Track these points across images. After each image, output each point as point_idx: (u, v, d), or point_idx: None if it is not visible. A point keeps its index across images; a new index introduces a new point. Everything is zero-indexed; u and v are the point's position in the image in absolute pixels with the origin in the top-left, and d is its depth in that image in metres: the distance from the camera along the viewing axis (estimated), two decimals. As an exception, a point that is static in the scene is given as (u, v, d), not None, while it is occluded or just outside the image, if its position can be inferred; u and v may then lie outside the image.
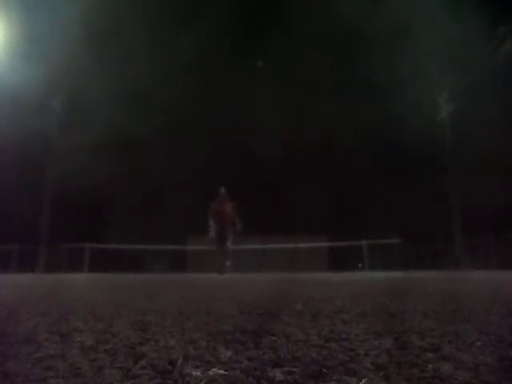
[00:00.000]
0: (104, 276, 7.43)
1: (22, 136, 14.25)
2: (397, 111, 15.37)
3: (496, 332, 0.74)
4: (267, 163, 17.87)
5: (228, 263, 7.90)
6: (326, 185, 18.52)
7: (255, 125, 16.99)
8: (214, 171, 18.07)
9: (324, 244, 17.47)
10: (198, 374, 0.48)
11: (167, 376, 0.47)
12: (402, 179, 16.91)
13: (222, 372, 0.48)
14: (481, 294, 1.91)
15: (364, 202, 18.94)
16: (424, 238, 16.22)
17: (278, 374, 0.48)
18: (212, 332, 0.76)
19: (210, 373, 0.48)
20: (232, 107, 18.02)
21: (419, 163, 17.13)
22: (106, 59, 16.00)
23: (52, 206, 16.72)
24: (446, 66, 15.55)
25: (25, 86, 13.93)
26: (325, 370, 0.49)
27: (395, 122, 15.51)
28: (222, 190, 8.42)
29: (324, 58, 18.09)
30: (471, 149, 15.21)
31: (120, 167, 15.83)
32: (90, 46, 15.57)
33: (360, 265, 15.37)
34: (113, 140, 15.71)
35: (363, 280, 4.05)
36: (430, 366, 0.51)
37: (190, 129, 17.91)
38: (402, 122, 15.06)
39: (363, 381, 0.45)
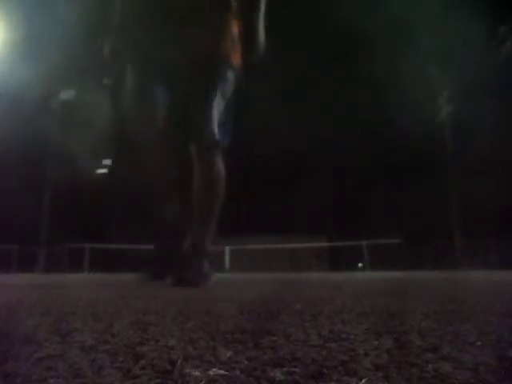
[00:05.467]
0: (104, 276, 7.43)
1: (22, 136, 14.21)
2: (397, 111, 15.36)
3: (496, 332, 0.74)
4: (267, 163, 17.84)
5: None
6: (325, 185, 18.48)
7: (255, 125, 16.98)
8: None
9: (324, 244, 17.44)
10: (198, 374, 0.48)
11: (167, 376, 0.47)
12: (402, 179, 16.88)
13: (222, 372, 0.48)
14: (481, 294, 1.91)
15: (364, 202, 18.90)
16: (424, 238, 16.20)
17: (277, 374, 0.48)
18: (212, 332, 0.76)
19: (210, 373, 0.48)
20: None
21: (419, 163, 17.12)
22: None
23: (52, 206, 16.70)
24: (445, 66, 15.56)
25: (25, 86, 13.91)
26: (325, 370, 0.49)
27: (395, 121, 15.50)
28: None
29: (324, 58, 18.09)
30: (471, 149, 15.21)
31: (120, 167, 15.81)
32: (90, 45, 15.56)
33: (360, 265, 15.35)
34: (112, 139, 15.69)
35: (363, 280, 4.05)
36: (429, 365, 0.51)
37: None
38: (402, 122, 15.06)
39: (363, 381, 0.45)
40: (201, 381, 0.45)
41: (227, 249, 15.60)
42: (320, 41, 17.91)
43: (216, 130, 2.45)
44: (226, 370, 0.49)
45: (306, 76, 18.84)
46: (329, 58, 18.05)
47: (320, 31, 17.67)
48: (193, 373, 0.48)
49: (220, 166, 2.54)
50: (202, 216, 2.54)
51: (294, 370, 0.49)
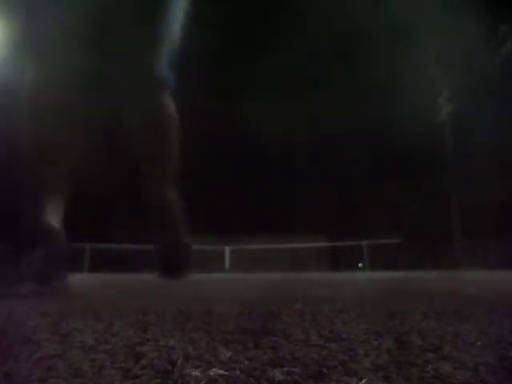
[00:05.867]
0: (104, 276, 7.43)
1: (21, 135, 14.23)
2: (397, 111, 15.36)
3: (496, 332, 0.74)
4: (267, 163, 17.86)
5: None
6: (325, 184, 18.50)
7: (254, 124, 16.98)
8: (213, 171, 18.06)
9: (324, 244, 17.45)
10: (198, 374, 0.48)
11: (167, 376, 0.47)
12: (402, 179, 16.90)
13: (221, 372, 0.49)
14: (481, 293, 1.91)
15: (364, 202, 18.92)
16: (424, 238, 16.21)
17: (277, 374, 0.48)
18: (212, 332, 0.76)
19: (210, 373, 0.48)
20: (232, 106, 18.02)
21: (419, 163, 17.12)
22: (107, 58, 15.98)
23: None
24: (446, 66, 15.60)
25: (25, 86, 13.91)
26: (325, 370, 0.49)
27: (395, 121, 15.51)
28: None
29: (324, 58, 18.10)
30: (471, 149, 15.22)
31: (120, 167, 15.81)
32: (91, 45, 15.55)
33: (360, 265, 15.37)
34: (113, 140, 15.70)
35: (363, 280, 4.05)
36: (430, 365, 0.51)
37: (189, 127, 17.92)
38: (402, 121, 15.06)
39: (363, 381, 0.45)
40: (201, 381, 0.45)
41: (227, 249, 15.61)
42: (320, 40, 17.93)
43: (163, 63, 1.74)
44: (226, 370, 0.49)
45: (306, 75, 18.86)
46: (328, 58, 18.07)
47: (320, 30, 17.69)
48: (193, 373, 0.48)
49: (169, 107, 1.87)
50: (157, 169, 1.88)
51: (293, 370, 0.49)
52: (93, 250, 14.32)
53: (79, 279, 4.89)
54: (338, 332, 0.76)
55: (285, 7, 17.01)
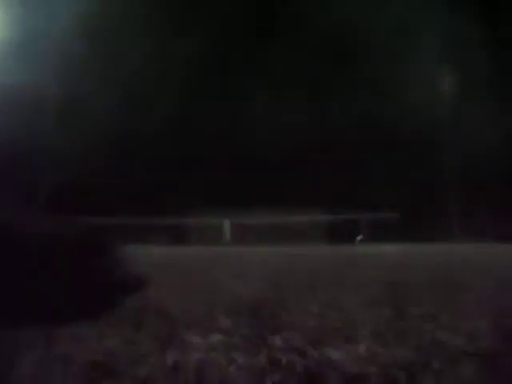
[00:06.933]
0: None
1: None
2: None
3: (492, 302, 0.75)
4: (267, 137, 17.71)
5: None
6: (325, 158, 18.44)
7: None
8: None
9: (324, 217, 17.56)
10: (199, 340, 0.48)
11: (168, 342, 0.48)
12: (401, 153, 16.83)
13: (221, 338, 0.49)
14: (478, 266, 1.93)
15: (364, 176, 18.93)
16: (423, 213, 16.31)
17: (276, 340, 0.48)
18: (212, 303, 0.77)
19: (211, 339, 0.49)
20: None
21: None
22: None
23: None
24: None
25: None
26: (323, 337, 0.49)
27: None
28: None
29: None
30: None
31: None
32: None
33: (359, 238, 15.53)
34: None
35: (361, 252, 4.09)
36: (427, 333, 0.52)
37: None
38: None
39: (361, 346, 0.46)
40: (201, 347, 0.46)
41: (226, 222, 15.72)
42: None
43: None
44: (226, 337, 0.49)
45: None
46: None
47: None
48: (193, 339, 0.49)
49: None
50: None
51: (293, 336, 0.50)
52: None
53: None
54: (337, 301, 0.76)
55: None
